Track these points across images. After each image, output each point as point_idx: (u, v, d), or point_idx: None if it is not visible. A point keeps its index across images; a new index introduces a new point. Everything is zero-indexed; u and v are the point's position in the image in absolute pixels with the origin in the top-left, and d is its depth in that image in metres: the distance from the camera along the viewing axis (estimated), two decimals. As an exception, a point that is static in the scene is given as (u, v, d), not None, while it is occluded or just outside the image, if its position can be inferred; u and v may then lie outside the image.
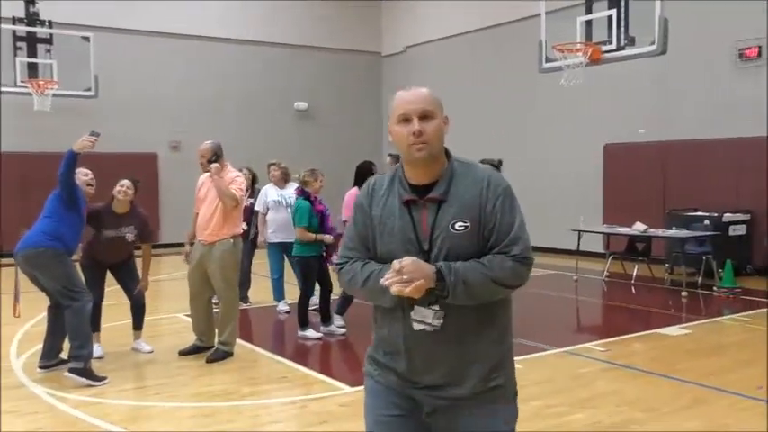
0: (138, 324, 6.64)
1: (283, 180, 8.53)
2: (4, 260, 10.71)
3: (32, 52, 13.83)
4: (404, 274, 2.06)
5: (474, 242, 2.17)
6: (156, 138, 15.62)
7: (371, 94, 17.78)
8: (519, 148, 14.15)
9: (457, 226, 2.16)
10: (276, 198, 8.36)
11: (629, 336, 7.28)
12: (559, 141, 13.99)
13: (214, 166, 6.25)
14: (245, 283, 8.57)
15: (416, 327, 2.18)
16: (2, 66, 13.18)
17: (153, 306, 7.63)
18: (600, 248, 12.04)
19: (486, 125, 15.12)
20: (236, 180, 6.35)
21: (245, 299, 8.62)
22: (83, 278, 5.97)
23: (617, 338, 7.20)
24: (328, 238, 7.07)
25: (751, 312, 8.36)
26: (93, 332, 6.05)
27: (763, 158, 10.84)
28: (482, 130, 14.81)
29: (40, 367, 5.90)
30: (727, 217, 10.78)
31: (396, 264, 2.08)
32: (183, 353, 6.48)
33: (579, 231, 10.90)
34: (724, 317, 8.35)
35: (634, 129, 12.63)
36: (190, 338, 6.64)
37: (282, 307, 8.51)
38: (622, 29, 9.54)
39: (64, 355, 5.86)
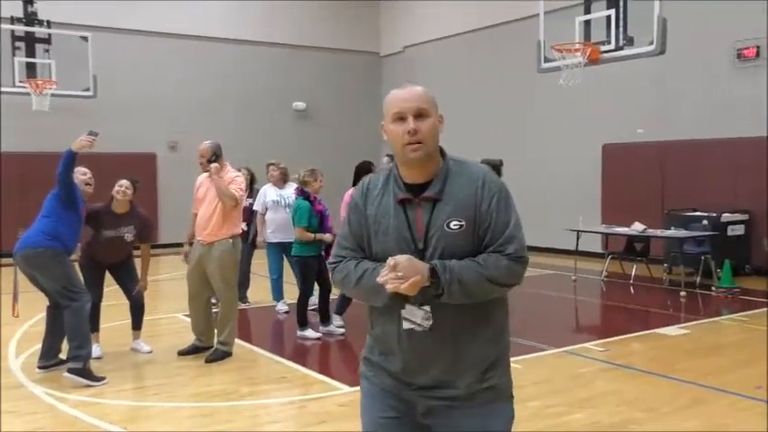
0: (137, 324, 6.64)
1: (282, 180, 8.53)
2: (3, 260, 10.70)
3: (31, 52, 13.80)
4: (398, 272, 2.05)
5: (469, 241, 2.16)
6: (155, 138, 15.62)
7: (370, 94, 17.77)
8: (518, 148, 14.13)
9: (452, 225, 2.15)
10: (275, 198, 8.36)
11: (628, 336, 7.28)
12: (558, 141, 13.98)
13: (213, 165, 6.25)
14: (244, 283, 8.57)
15: (405, 325, 2.18)
16: (0, 66, 13.15)
17: (152, 306, 7.62)
18: (598, 248, 12.03)
19: (484, 125, 15.12)
20: (235, 180, 6.36)
21: (244, 299, 8.62)
22: (82, 278, 5.98)
23: (616, 338, 7.20)
24: (328, 237, 7.06)
25: (749, 312, 8.36)
26: (92, 332, 6.06)
27: (761, 158, 10.84)
28: (481, 131, 14.81)
29: (39, 367, 5.90)
30: (726, 217, 10.78)
31: (390, 261, 2.07)
32: (182, 353, 6.48)
33: (578, 231, 10.90)
34: (722, 317, 8.35)
35: (633, 129, 12.63)
36: (189, 338, 6.64)
37: (281, 307, 8.52)
38: (621, 29, 9.52)
39: (63, 355, 5.86)
